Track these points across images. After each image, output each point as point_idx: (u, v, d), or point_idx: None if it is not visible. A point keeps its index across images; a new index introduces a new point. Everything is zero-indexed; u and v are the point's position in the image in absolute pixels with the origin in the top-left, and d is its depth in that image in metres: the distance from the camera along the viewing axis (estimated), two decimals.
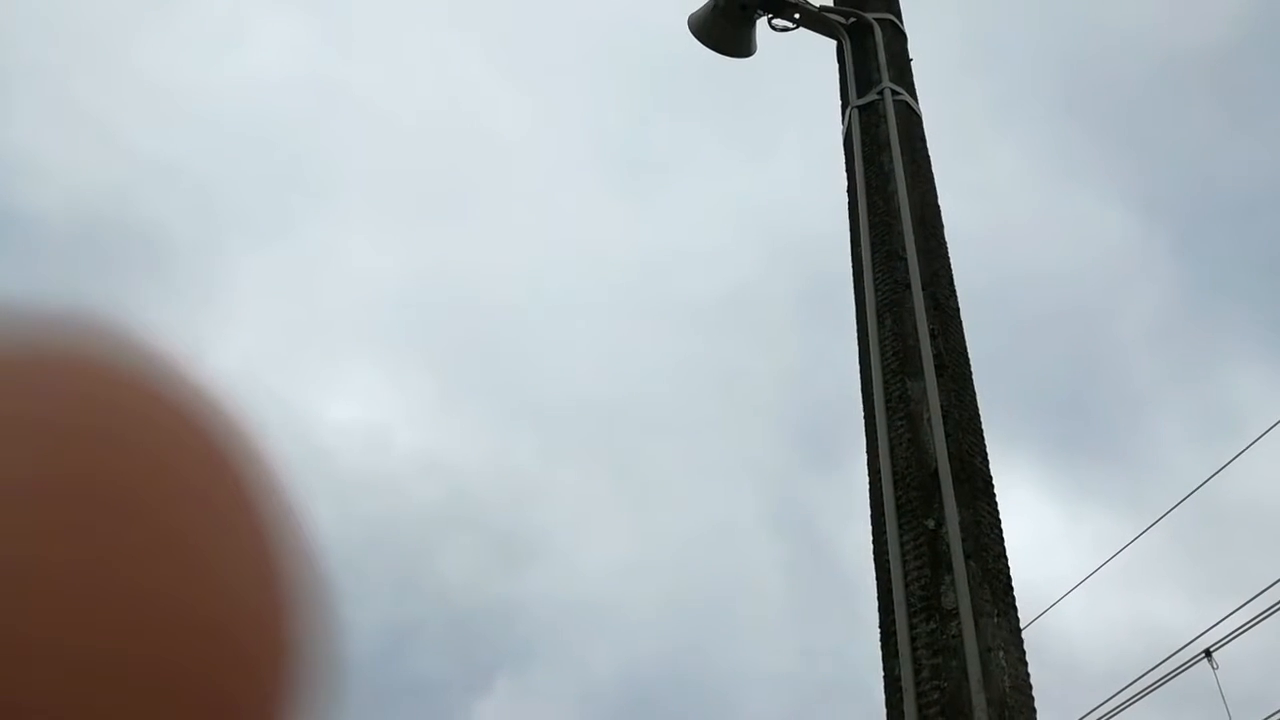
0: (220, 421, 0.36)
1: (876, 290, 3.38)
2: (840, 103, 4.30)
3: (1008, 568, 2.75)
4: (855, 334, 3.45)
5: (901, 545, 2.73)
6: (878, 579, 2.79)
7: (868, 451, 3.08)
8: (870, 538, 2.91)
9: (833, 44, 4.54)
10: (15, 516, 0.29)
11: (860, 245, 3.59)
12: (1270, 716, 8.75)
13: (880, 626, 2.71)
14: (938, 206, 3.74)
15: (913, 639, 2.56)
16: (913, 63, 4.36)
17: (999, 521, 2.84)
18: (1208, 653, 9.08)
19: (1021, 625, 2.71)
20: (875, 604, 2.76)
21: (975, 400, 3.12)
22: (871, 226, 3.60)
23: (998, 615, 2.59)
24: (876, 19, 4.41)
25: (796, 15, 4.59)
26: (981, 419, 3.09)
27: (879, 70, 4.17)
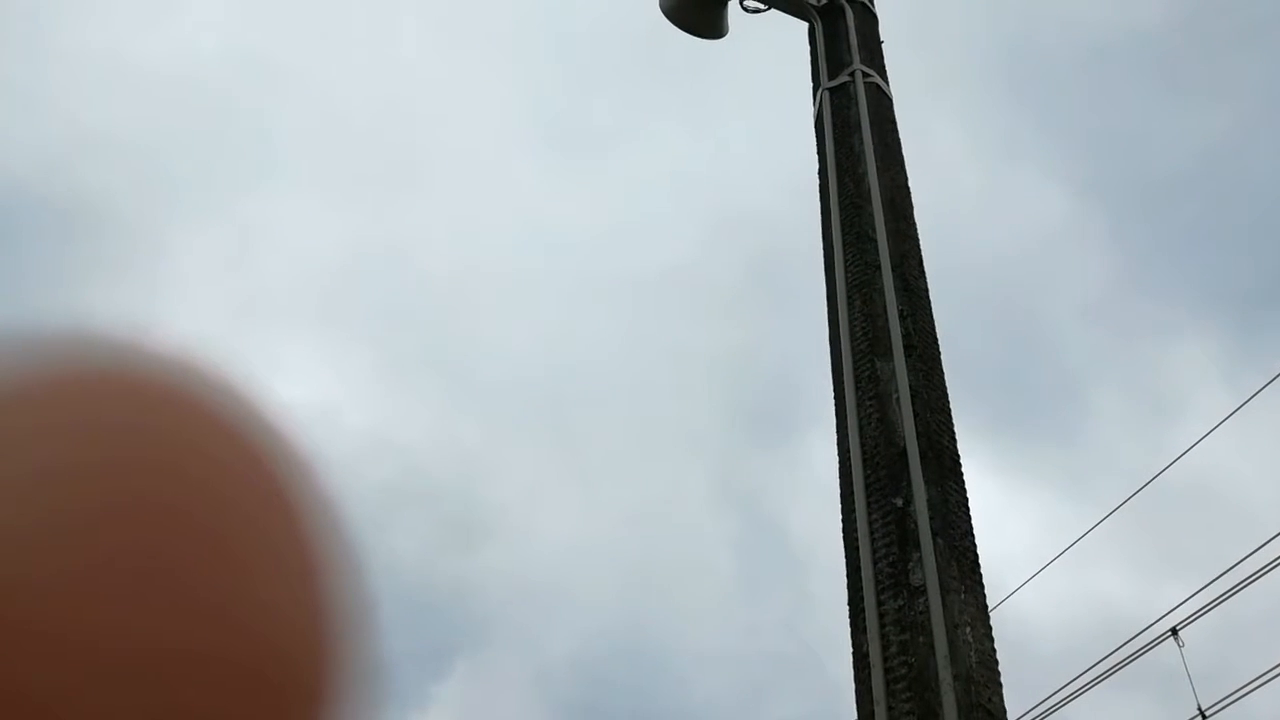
0: (275, 446, 0.38)
1: (847, 271, 3.39)
2: (811, 84, 4.31)
3: (974, 545, 2.78)
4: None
5: (870, 523, 2.76)
6: (846, 556, 2.82)
7: (837, 430, 3.10)
8: (840, 515, 2.93)
9: (804, 26, 4.55)
10: (73, 537, 0.32)
11: (831, 227, 3.61)
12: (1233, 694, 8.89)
13: (849, 603, 2.73)
14: (908, 189, 3.76)
15: (881, 615, 2.59)
16: (884, 45, 4.38)
17: (966, 499, 2.87)
18: (1174, 631, 9.20)
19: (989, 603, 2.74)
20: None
21: (943, 380, 3.15)
22: (842, 208, 3.62)
23: (964, 591, 2.62)
24: (848, 1, 4.41)
25: None
26: (949, 399, 3.12)
27: (850, 52, 4.18)
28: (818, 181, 3.91)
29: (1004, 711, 2.48)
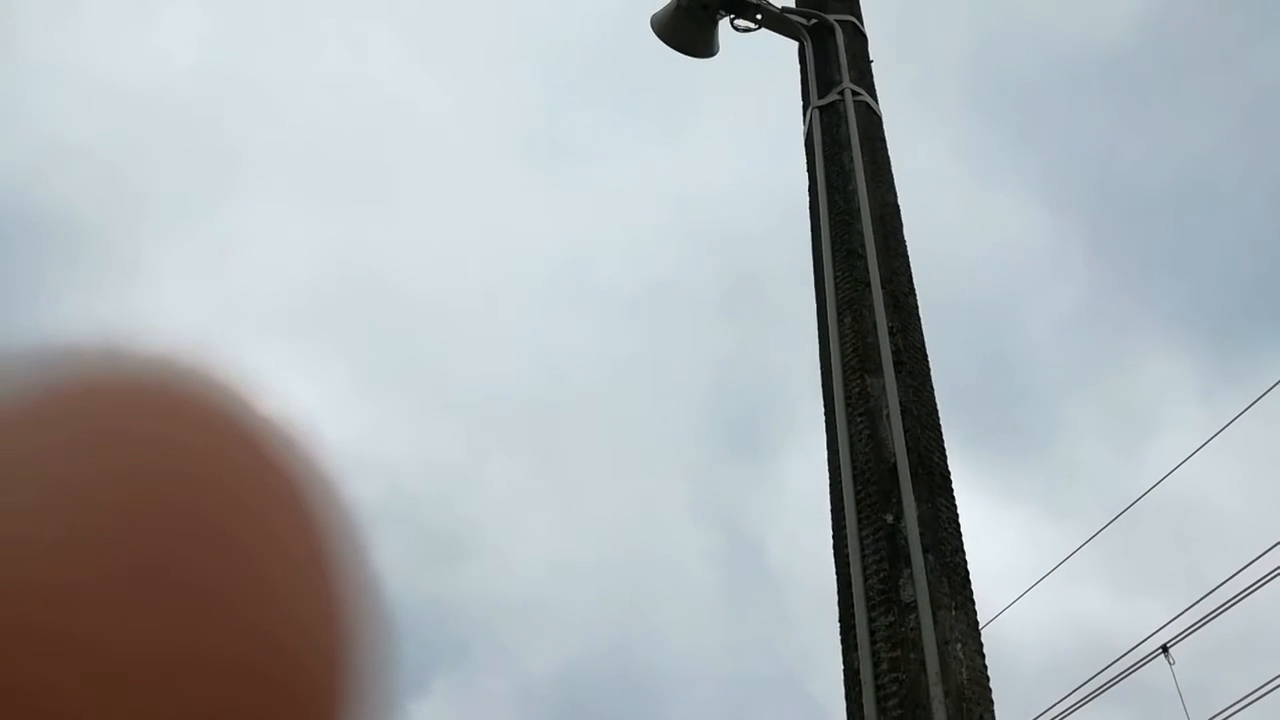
0: (289, 453, 0.39)
1: (837, 288, 3.40)
2: (801, 103, 4.33)
3: (965, 561, 2.78)
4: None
5: (861, 539, 2.75)
6: (837, 573, 2.81)
7: (828, 447, 3.10)
8: (830, 532, 2.93)
9: (794, 45, 4.58)
10: (101, 550, 0.33)
11: (821, 243, 3.62)
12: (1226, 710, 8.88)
13: (840, 620, 2.73)
14: (897, 206, 3.78)
15: (872, 632, 2.58)
16: (873, 64, 4.41)
17: (956, 516, 2.87)
18: (1164, 648, 9.21)
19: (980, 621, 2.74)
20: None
21: (933, 396, 3.15)
22: (832, 225, 3.63)
23: (955, 608, 2.61)
24: (838, 20, 4.44)
25: (758, 16, 4.62)
26: (940, 415, 3.13)
27: (840, 71, 4.21)
28: (807, 199, 3.93)
29: None
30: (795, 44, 4.57)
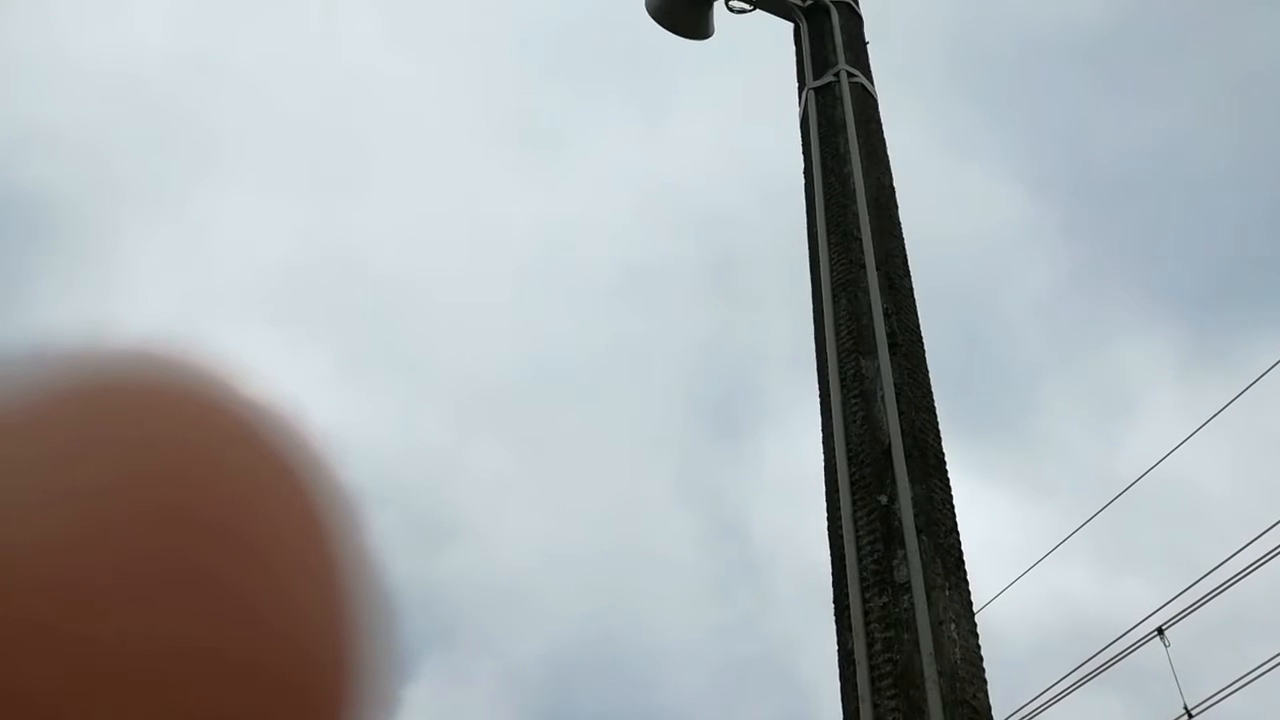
0: (292, 447, 0.38)
1: (832, 270, 3.40)
2: (797, 84, 4.32)
3: (959, 542, 2.79)
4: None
5: (855, 521, 2.76)
6: (832, 554, 2.82)
7: (823, 429, 3.11)
8: (825, 513, 2.94)
9: (790, 26, 4.56)
10: (108, 547, 0.33)
11: (816, 225, 3.61)
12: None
13: (834, 601, 2.74)
14: (892, 188, 3.77)
15: (866, 613, 2.59)
16: (869, 45, 4.39)
17: (950, 497, 2.88)
18: (1160, 630, 9.25)
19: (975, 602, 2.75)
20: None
21: (928, 378, 3.16)
22: (827, 207, 3.63)
23: (949, 589, 2.62)
24: (833, 2, 4.43)
25: None
26: (934, 396, 3.13)
27: (835, 53, 4.19)
28: (803, 181, 3.92)
29: (989, 708, 2.49)
30: (790, 25, 4.56)
